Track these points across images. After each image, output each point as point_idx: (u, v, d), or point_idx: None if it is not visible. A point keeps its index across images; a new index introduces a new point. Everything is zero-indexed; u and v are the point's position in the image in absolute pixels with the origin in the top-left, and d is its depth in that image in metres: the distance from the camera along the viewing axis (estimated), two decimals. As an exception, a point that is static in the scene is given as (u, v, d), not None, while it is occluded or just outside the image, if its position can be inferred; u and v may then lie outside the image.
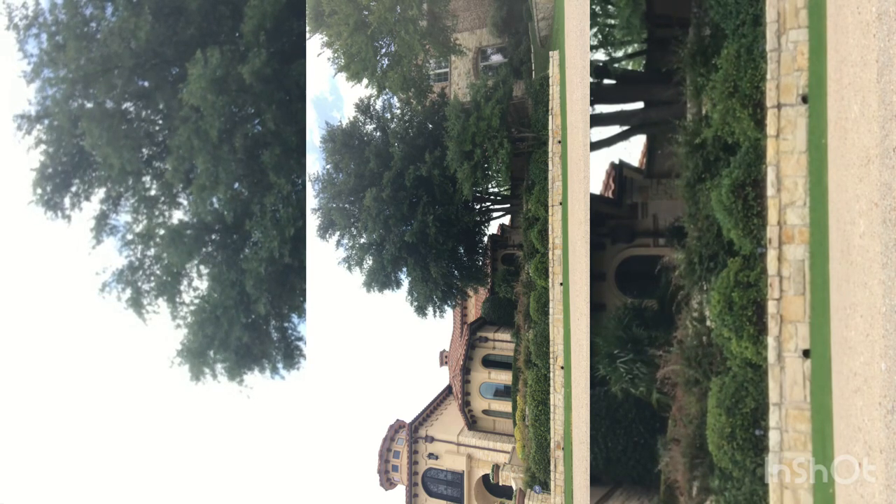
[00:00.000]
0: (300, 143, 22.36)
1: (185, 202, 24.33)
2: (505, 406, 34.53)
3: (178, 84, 22.64)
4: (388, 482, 40.14)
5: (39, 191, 23.83)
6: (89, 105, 22.77)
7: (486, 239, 39.31)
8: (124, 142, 21.97)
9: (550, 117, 25.25)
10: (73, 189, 24.48)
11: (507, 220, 44.05)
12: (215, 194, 21.61)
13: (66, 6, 22.68)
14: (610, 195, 26.90)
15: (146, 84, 23.24)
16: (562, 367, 22.58)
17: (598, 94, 24.03)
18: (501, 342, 35.88)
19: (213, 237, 24.06)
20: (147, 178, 24.53)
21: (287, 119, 21.82)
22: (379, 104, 34.98)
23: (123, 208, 24.81)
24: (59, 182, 24.09)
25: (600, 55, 23.93)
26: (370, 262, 33.73)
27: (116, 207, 24.77)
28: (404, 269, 34.04)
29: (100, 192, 24.69)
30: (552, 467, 23.61)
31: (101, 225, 24.40)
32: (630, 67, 26.42)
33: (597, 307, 22.84)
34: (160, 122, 24.60)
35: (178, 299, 24.12)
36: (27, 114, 23.86)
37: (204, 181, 20.93)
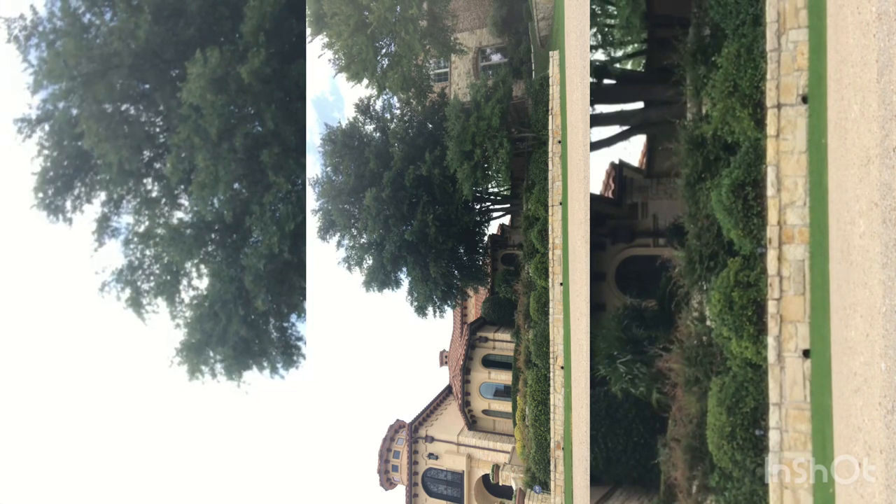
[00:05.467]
0: (300, 143, 22.38)
1: (185, 202, 24.36)
2: (505, 406, 34.52)
3: (177, 85, 22.66)
4: (388, 482, 40.12)
5: (41, 195, 23.87)
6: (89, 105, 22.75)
7: (486, 239, 39.27)
8: (123, 140, 21.99)
9: (550, 117, 25.23)
10: (75, 192, 24.52)
11: (507, 220, 44.04)
12: (216, 193, 21.62)
13: (63, 13, 22.63)
14: (610, 195, 26.90)
15: (146, 85, 23.25)
16: (562, 367, 22.57)
17: (598, 94, 24.01)
18: (501, 342, 35.85)
19: (213, 236, 24.07)
20: (148, 180, 24.56)
21: (286, 119, 21.83)
22: (379, 104, 34.97)
23: (125, 210, 24.85)
24: (60, 186, 24.13)
25: (600, 55, 23.93)
26: (370, 262, 33.71)
27: (118, 209, 24.80)
28: (404, 269, 34.01)
29: (101, 195, 24.74)
30: (552, 467, 23.60)
31: (103, 227, 24.45)
32: (630, 67, 26.42)
33: (597, 307, 22.84)
34: (160, 123, 24.60)
35: (177, 298, 24.14)
36: (27, 117, 23.88)
37: (204, 179, 20.95)
